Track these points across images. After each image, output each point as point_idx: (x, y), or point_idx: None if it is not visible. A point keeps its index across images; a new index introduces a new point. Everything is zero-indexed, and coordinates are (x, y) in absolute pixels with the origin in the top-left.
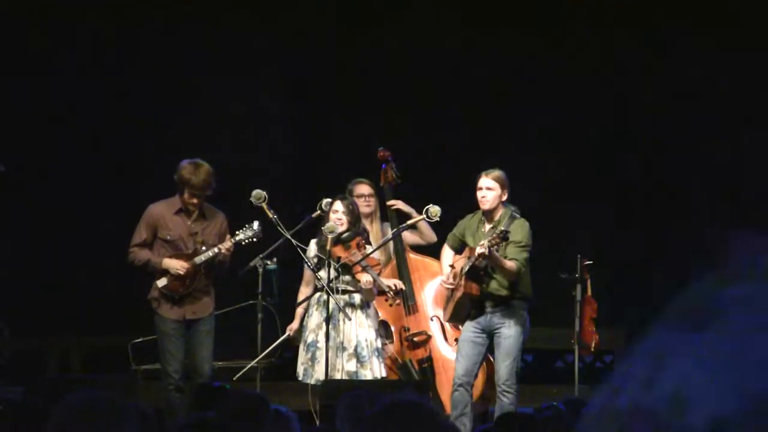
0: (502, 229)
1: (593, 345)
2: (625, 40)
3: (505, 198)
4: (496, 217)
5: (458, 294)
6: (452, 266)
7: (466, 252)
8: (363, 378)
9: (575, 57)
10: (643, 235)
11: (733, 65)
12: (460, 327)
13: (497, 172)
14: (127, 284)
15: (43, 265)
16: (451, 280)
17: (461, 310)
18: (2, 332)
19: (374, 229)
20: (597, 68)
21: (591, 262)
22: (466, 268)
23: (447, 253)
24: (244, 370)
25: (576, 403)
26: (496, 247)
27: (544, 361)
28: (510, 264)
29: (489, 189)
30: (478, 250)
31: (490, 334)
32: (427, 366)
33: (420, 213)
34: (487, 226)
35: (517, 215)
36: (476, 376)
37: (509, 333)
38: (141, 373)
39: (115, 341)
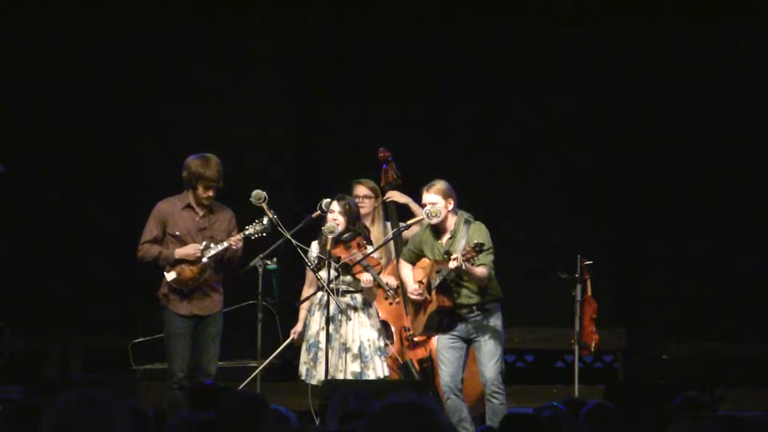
0: (476, 242)
1: (593, 345)
2: (627, 37)
3: (451, 207)
4: (451, 227)
5: (431, 308)
6: (421, 282)
7: (432, 265)
8: (366, 378)
9: (576, 55)
10: (642, 235)
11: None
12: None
13: (438, 185)
14: (127, 284)
15: (43, 265)
16: (419, 294)
17: (434, 322)
18: (2, 332)
19: (375, 229)
20: (597, 67)
21: (591, 262)
22: (437, 282)
23: (406, 266)
24: (252, 376)
25: (576, 403)
26: (471, 261)
27: (544, 361)
28: (481, 270)
29: (432, 204)
30: (452, 264)
31: (468, 340)
32: (428, 366)
33: (417, 204)
34: (445, 238)
35: (471, 220)
36: (463, 380)
37: (488, 336)
38: (141, 373)
39: (115, 341)
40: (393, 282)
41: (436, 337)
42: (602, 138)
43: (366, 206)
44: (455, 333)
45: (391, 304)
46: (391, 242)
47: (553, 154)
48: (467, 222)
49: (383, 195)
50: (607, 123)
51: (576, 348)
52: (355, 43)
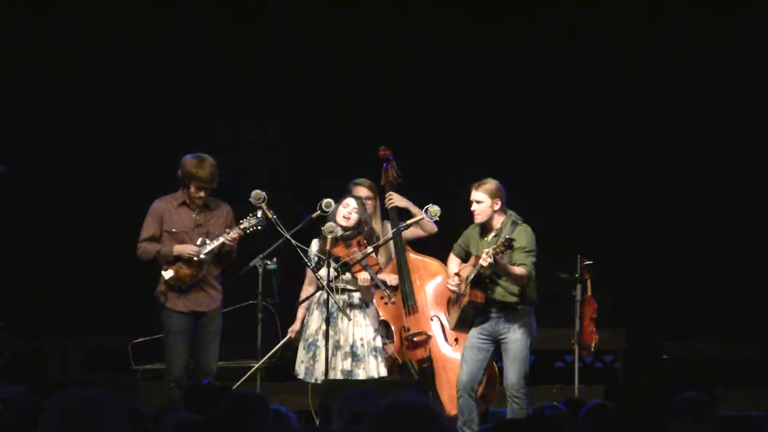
0: (507, 236)
1: (593, 345)
2: (629, 38)
3: (497, 207)
4: (497, 226)
5: (464, 301)
6: (458, 274)
7: (472, 260)
8: (357, 377)
9: (576, 56)
10: (643, 235)
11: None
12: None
13: (487, 184)
14: (127, 284)
15: (43, 265)
16: (456, 286)
17: (466, 317)
18: (2, 332)
19: (374, 228)
20: (596, 67)
21: (591, 262)
22: (471, 276)
23: (453, 260)
24: (247, 375)
25: (576, 403)
26: (501, 255)
27: (544, 361)
28: (519, 270)
29: (478, 202)
30: (482, 261)
31: (496, 341)
32: (427, 366)
33: (418, 207)
34: (490, 236)
35: (519, 222)
36: (481, 382)
37: (515, 338)
38: (141, 373)
39: (115, 341)
40: (393, 280)
41: (438, 337)
42: (602, 138)
43: (369, 207)
44: (484, 332)
45: (386, 303)
46: (390, 242)
47: (553, 155)
48: (514, 223)
49: (383, 195)
50: (607, 123)
51: (576, 348)
52: (355, 42)
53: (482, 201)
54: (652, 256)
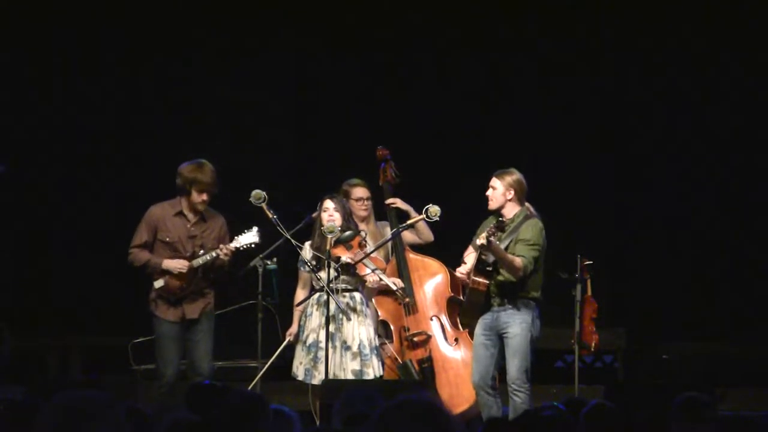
0: (499, 219)
1: (593, 345)
2: (626, 37)
3: (510, 197)
4: (510, 217)
5: (468, 292)
6: (464, 261)
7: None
8: (366, 377)
9: (574, 54)
10: (643, 235)
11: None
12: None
13: (505, 173)
14: (126, 284)
15: (44, 266)
16: (464, 274)
17: (471, 307)
18: (2, 332)
19: (369, 229)
20: (594, 67)
21: (591, 262)
22: (474, 260)
23: (470, 251)
24: (256, 380)
25: (576, 403)
26: (493, 236)
27: (544, 361)
28: (517, 260)
29: (492, 188)
30: (478, 240)
31: (499, 335)
32: (427, 366)
33: (418, 212)
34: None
35: (534, 216)
36: (494, 377)
37: (516, 332)
38: (141, 373)
39: (115, 341)
40: (398, 282)
41: (438, 336)
42: (602, 137)
43: (369, 208)
44: (487, 328)
45: (401, 304)
46: (388, 243)
47: (553, 154)
48: (527, 217)
49: (383, 195)
50: (607, 122)
51: (576, 348)
52: (354, 42)
53: (496, 188)
54: (651, 256)
